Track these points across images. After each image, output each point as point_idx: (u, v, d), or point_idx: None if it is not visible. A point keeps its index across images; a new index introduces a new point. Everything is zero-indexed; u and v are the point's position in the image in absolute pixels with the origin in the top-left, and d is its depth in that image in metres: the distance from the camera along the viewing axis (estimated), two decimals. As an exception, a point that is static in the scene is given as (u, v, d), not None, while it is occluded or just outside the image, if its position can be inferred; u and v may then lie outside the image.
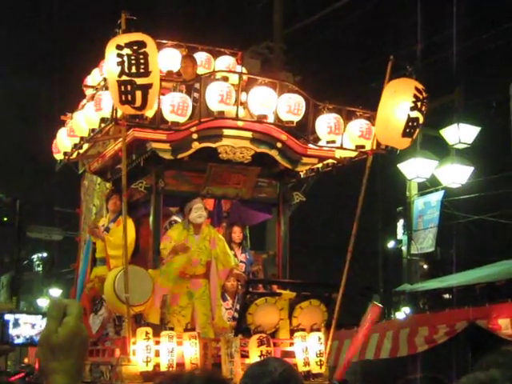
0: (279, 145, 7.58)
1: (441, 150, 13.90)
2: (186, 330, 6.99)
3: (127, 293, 6.66)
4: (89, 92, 8.48)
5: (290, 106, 7.23)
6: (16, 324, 14.08)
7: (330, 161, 8.26)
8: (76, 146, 7.62)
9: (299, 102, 7.28)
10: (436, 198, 14.07)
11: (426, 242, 14.29)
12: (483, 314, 9.12)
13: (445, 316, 10.83)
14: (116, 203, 8.06)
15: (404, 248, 15.16)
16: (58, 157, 8.39)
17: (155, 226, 7.36)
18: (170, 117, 6.80)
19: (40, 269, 30.98)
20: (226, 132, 7.41)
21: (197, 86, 7.43)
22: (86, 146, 8.19)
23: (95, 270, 7.94)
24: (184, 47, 8.68)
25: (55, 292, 27.82)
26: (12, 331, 13.47)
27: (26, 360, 26.89)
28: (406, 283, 14.65)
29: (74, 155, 8.06)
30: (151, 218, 7.43)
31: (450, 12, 12.31)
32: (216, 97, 6.92)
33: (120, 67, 6.08)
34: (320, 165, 8.13)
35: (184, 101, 6.82)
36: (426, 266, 16.00)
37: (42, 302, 27.66)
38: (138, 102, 6.16)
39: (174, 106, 6.76)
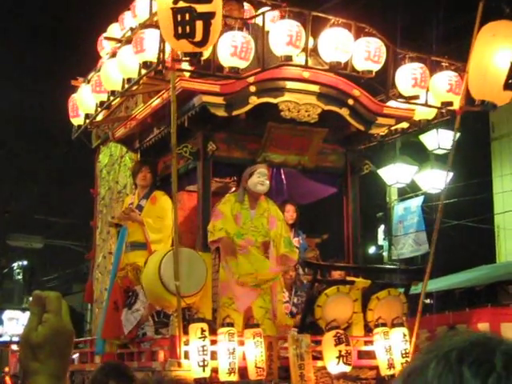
0: (351, 102, 6.40)
1: (420, 155, 13.97)
2: (248, 327, 5.74)
3: (177, 280, 5.41)
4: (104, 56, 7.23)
5: (369, 51, 6.03)
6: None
7: (400, 126, 7.06)
8: (103, 105, 6.32)
9: (379, 47, 6.08)
10: (416, 203, 14.22)
11: (406, 248, 14.30)
12: (463, 318, 8.70)
13: (425, 321, 10.06)
14: (146, 177, 6.82)
15: (385, 254, 15.05)
16: (76, 122, 7.10)
17: (205, 200, 6.11)
18: (229, 61, 5.56)
19: (20, 277, 31.01)
20: (290, 85, 6.22)
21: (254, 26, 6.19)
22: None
23: (126, 256, 6.67)
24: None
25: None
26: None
27: (6, 369, 25.68)
28: (387, 289, 14.02)
29: (100, 117, 6.77)
30: (199, 190, 6.17)
31: None
32: (284, 38, 5.69)
33: (175, -9, 4.84)
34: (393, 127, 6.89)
35: (248, 41, 5.60)
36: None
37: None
38: (199, 36, 4.93)
39: (236, 47, 5.53)
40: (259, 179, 6.08)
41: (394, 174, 13.25)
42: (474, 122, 13.20)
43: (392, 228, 14.63)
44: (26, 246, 22.88)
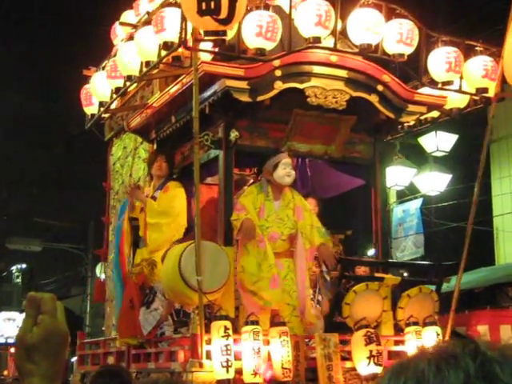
0: (380, 88, 6.06)
1: (419, 157, 14.00)
2: (274, 325, 5.40)
3: (200, 275, 5.08)
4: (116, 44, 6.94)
5: (401, 33, 5.70)
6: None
7: (430, 115, 6.73)
8: (118, 91, 6.00)
9: (412, 29, 5.75)
10: (415, 205, 14.19)
11: (406, 250, 14.09)
12: (462, 320, 8.31)
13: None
14: (161, 167, 6.51)
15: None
16: (90, 110, 6.78)
17: (227, 191, 5.79)
18: (255, 42, 5.25)
19: (19, 280, 31.13)
20: (317, 70, 5.89)
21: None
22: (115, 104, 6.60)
23: (140, 251, 6.35)
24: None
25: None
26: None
27: (5, 372, 25.40)
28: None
29: (115, 105, 6.46)
30: (221, 181, 5.85)
31: None
32: (312, 18, 5.36)
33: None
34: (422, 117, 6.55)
35: (274, 21, 5.27)
36: (405, 274, 15.27)
37: (22, 314, 26.74)
38: (224, 13, 4.61)
39: (261, 26, 5.20)
40: (285, 170, 5.75)
41: (393, 176, 13.11)
42: (473, 125, 13.05)
43: (391, 230, 14.49)
44: (25, 249, 22.75)
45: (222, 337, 5.15)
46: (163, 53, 5.28)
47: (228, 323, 5.21)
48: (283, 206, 5.82)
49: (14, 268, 30.56)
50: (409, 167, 13.37)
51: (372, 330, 5.63)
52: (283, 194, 5.85)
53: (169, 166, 6.54)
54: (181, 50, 5.91)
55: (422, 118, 6.71)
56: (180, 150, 6.66)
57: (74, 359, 24.90)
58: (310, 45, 5.49)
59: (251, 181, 6.67)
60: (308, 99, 5.85)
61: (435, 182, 13.19)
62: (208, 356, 5.17)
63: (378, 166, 6.39)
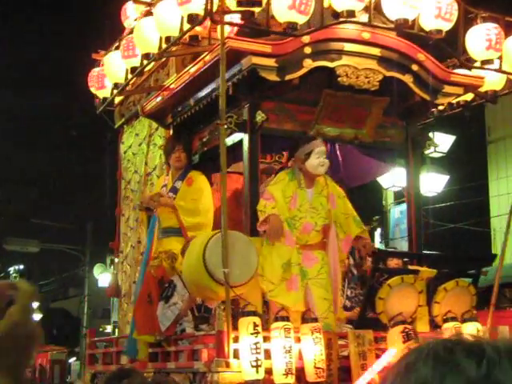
0: (415, 67, 5.67)
1: None
2: (306, 321, 5.00)
3: (226, 267, 4.69)
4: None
5: (439, 8, 5.31)
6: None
7: (463, 98, 6.33)
8: (134, 71, 5.60)
9: (451, 3, 5.36)
10: None
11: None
12: None
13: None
14: (180, 157, 6.11)
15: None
16: (102, 94, 6.38)
17: (253, 178, 5.39)
18: (286, 15, 4.85)
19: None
20: (348, 47, 5.50)
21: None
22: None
23: (160, 243, 5.96)
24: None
25: (32, 304, 26.62)
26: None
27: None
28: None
29: (130, 86, 6.06)
30: (246, 167, 5.45)
31: None
32: (346, -11, 4.96)
33: None
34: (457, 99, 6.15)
35: (306, -8, 4.86)
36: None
37: None
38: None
39: (294, -1, 4.79)
40: (319, 160, 5.34)
41: (390, 177, 13.04)
42: (471, 125, 13.39)
43: (389, 231, 14.62)
44: (22, 249, 22.59)
45: (251, 334, 4.76)
46: (186, 27, 4.87)
47: (257, 319, 4.82)
48: (316, 194, 5.42)
49: (11, 269, 30.51)
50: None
51: (410, 327, 5.24)
52: (316, 182, 5.45)
53: (187, 155, 6.14)
54: (199, 28, 5.53)
55: (455, 101, 6.32)
56: (198, 135, 6.27)
57: (73, 360, 24.61)
58: (344, 19, 5.09)
59: (276, 168, 6.28)
60: (339, 79, 5.46)
61: (432, 183, 13.17)
62: (235, 355, 4.78)
63: (411, 152, 5.99)
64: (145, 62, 5.47)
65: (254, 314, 4.87)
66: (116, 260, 21.75)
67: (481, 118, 14.51)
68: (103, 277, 19.96)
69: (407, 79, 5.66)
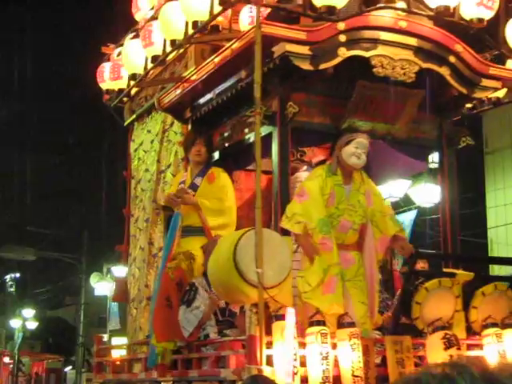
0: (452, 59, 5.34)
1: None
2: (343, 326, 4.62)
3: (260, 267, 4.31)
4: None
5: (482, -5, 4.96)
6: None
7: (494, 94, 6.00)
8: (156, 59, 5.23)
9: (493, -10, 5.02)
10: (409, 217, 13.74)
11: (400, 262, 13.76)
12: None
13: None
14: (201, 152, 5.74)
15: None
16: (117, 85, 6.00)
17: (283, 174, 5.02)
18: (323, -2, 4.48)
19: (13, 289, 30.89)
20: (384, 36, 5.16)
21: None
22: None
23: (177, 243, 5.55)
24: None
25: (28, 313, 27.54)
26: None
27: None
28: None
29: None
30: (275, 164, 5.08)
31: None
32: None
33: None
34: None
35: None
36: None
37: (15, 323, 27.20)
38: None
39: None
40: (356, 150, 4.99)
41: (388, 187, 12.92)
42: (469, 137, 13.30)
43: None
44: (19, 258, 22.40)
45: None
46: (217, 10, 4.52)
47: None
48: (354, 191, 5.07)
49: (7, 277, 30.29)
50: (403, 179, 13.06)
51: (450, 333, 4.88)
52: (353, 178, 5.09)
53: (208, 149, 5.78)
54: (220, 18, 5.19)
55: (486, 97, 5.99)
56: (219, 130, 5.91)
57: (68, 368, 24.13)
58: (383, 5, 4.75)
59: (304, 167, 5.92)
60: (374, 70, 5.13)
61: (430, 194, 13.00)
62: (268, 362, 4.40)
63: (446, 149, 5.65)
64: (168, 49, 5.10)
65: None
66: (111, 269, 21.22)
67: (478, 128, 14.54)
68: (100, 285, 19.61)
69: (444, 71, 5.34)
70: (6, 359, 25.23)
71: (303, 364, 4.47)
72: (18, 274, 29.77)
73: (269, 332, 4.42)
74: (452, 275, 5.34)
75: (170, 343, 5.35)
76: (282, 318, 4.45)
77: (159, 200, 6.18)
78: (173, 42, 5.00)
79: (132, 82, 5.68)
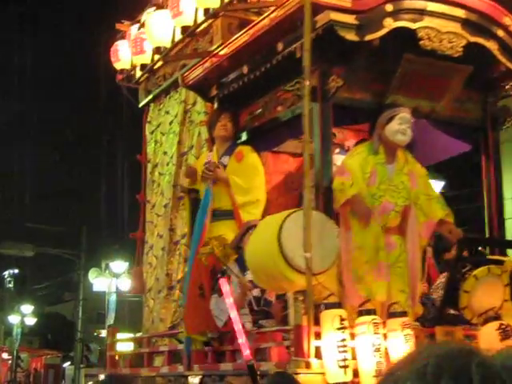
0: (500, 33, 5.00)
1: None
2: (393, 315, 4.24)
3: (309, 251, 3.92)
4: None
5: (537, -39, 4.59)
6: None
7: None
8: (186, 30, 4.83)
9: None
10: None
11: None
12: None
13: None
14: (227, 126, 5.38)
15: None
16: (140, 60, 5.59)
17: (325, 152, 4.63)
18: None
19: (11, 285, 30.56)
20: (431, 7, 4.78)
21: None
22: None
23: (208, 228, 5.15)
24: None
25: (27, 308, 27.41)
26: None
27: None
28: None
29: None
30: (317, 142, 4.68)
31: None
32: None
33: None
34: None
35: None
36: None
37: (14, 319, 26.96)
38: None
39: None
40: (400, 126, 4.63)
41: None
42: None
43: None
44: (18, 254, 22.07)
45: (338, 329, 4.00)
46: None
47: (343, 312, 4.08)
48: (397, 171, 4.70)
49: (6, 273, 30.58)
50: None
51: (505, 323, 4.51)
52: (397, 156, 4.71)
53: (234, 125, 5.39)
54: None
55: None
56: (248, 108, 5.52)
57: (67, 364, 23.80)
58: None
59: (337, 150, 5.54)
60: (421, 42, 4.74)
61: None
62: (317, 354, 4.02)
63: (490, 130, 5.28)
64: (199, 19, 4.69)
65: (338, 305, 4.11)
66: (110, 264, 20.75)
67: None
68: (98, 281, 19.27)
69: (491, 46, 4.98)
70: (5, 355, 24.94)
71: (353, 357, 4.10)
72: (16, 270, 29.86)
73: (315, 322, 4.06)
74: (500, 262, 4.98)
75: (201, 335, 4.96)
76: (332, 306, 4.07)
77: (183, 182, 5.78)
78: (206, 11, 4.60)
79: (156, 56, 5.27)
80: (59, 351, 23.85)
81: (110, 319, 18.34)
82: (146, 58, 5.51)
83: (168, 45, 5.20)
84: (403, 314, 4.31)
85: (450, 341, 0.91)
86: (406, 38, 4.78)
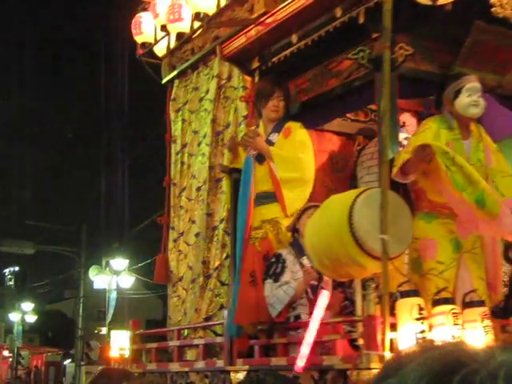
0: None
1: None
2: (471, 305, 3.81)
3: (385, 232, 3.48)
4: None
5: None
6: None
7: None
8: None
9: None
10: None
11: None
12: None
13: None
14: (278, 106, 4.96)
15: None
16: (176, 29, 5.14)
17: (393, 127, 4.18)
18: None
19: (12, 283, 30.28)
20: (504, -31, 4.31)
21: None
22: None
23: (259, 211, 4.73)
24: None
25: (27, 306, 27.14)
26: None
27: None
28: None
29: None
30: (381, 115, 4.24)
31: None
32: None
33: None
34: None
35: None
36: None
37: (14, 317, 26.75)
38: None
39: None
40: (471, 98, 4.20)
41: None
42: None
43: None
44: (18, 251, 21.92)
45: (417, 320, 3.56)
46: None
47: (422, 301, 3.63)
48: (474, 148, 4.27)
49: (6, 271, 29.84)
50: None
51: None
52: (471, 131, 4.27)
53: (286, 105, 4.94)
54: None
55: None
56: (295, 81, 5.07)
57: (68, 362, 23.41)
58: None
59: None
60: (493, 9, 4.30)
61: None
62: (392, 347, 3.58)
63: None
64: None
65: (415, 293, 3.67)
66: (110, 262, 20.32)
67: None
68: (99, 279, 18.91)
69: None
70: (6, 353, 24.62)
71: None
72: (17, 268, 29.53)
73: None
74: None
75: (249, 327, 4.51)
76: (409, 294, 3.63)
77: (224, 161, 5.32)
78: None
79: (196, 23, 4.80)
80: (60, 349, 23.53)
81: (108, 316, 18.00)
82: (183, 27, 5.05)
83: (211, 11, 4.75)
84: (481, 303, 3.88)
85: (442, 349, 0.78)
86: (477, 5, 4.36)
